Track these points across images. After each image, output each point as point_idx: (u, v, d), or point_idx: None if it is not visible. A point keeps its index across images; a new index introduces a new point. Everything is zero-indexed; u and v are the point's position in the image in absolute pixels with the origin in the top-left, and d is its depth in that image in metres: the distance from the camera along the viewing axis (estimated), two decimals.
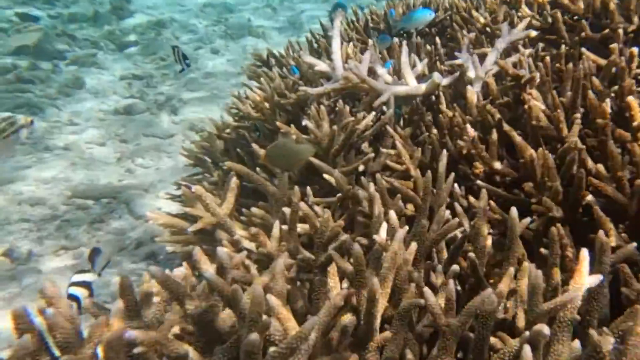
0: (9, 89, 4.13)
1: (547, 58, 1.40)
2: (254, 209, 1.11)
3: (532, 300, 0.64)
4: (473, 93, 1.43)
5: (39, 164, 3.12)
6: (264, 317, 0.58)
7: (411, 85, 1.56)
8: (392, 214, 0.83)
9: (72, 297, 1.25)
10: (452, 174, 1.11)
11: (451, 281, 0.66)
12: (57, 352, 0.59)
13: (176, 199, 2.12)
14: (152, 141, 3.57)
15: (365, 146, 1.49)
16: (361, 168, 1.38)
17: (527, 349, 0.54)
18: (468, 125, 1.25)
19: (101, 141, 3.51)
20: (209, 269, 0.73)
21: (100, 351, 0.65)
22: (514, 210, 0.77)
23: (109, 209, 2.69)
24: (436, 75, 1.50)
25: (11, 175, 2.95)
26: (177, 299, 0.69)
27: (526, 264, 0.71)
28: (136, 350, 0.63)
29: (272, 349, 0.59)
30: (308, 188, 1.32)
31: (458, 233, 0.99)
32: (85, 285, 1.29)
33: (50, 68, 4.63)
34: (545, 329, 0.55)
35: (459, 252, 0.96)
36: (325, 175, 1.31)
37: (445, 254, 0.96)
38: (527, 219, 0.75)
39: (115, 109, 4.02)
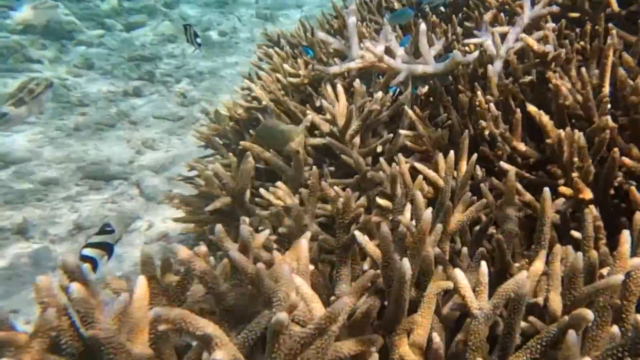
0: (17, 69, 4.11)
1: (572, 34, 1.34)
2: (272, 189, 1.09)
3: (571, 283, 0.62)
4: (494, 72, 1.38)
5: (50, 145, 3.12)
6: (292, 296, 0.57)
7: (430, 64, 1.52)
8: (418, 193, 0.81)
9: (87, 259, 1.16)
10: (475, 155, 1.07)
11: (484, 263, 0.63)
12: (81, 327, 0.58)
13: (188, 181, 2.10)
14: (161, 123, 3.55)
15: (381, 127, 1.46)
16: (379, 149, 1.35)
17: (572, 333, 0.52)
18: (492, 105, 1.21)
19: (111, 122, 3.49)
20: (231, 247, 0.71)
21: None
22: (546, 191, 0.74)
23: (120, 191, 2.69)
24: (456, 53, 1.46)
25: (23, 154, 2.95)
26: (200, 277, 0.67)
27: (559, 246, 0.68)
28: (160, 327, 0.61)
29: (300, 329, 0.58)
30: (326, 169, 1.29)
31: (482, 215, 0.97)
32: (103, 246, 1.19)
33: (59, 48, 4.60)
34: (590, 314, 0.53)
35: (484, 234, 0.94)
36: (343, 156, 1.28)
37: (469, 237, 0.94)
38: (560, 200, 0.72)
39: (124, 90, 4.00)
